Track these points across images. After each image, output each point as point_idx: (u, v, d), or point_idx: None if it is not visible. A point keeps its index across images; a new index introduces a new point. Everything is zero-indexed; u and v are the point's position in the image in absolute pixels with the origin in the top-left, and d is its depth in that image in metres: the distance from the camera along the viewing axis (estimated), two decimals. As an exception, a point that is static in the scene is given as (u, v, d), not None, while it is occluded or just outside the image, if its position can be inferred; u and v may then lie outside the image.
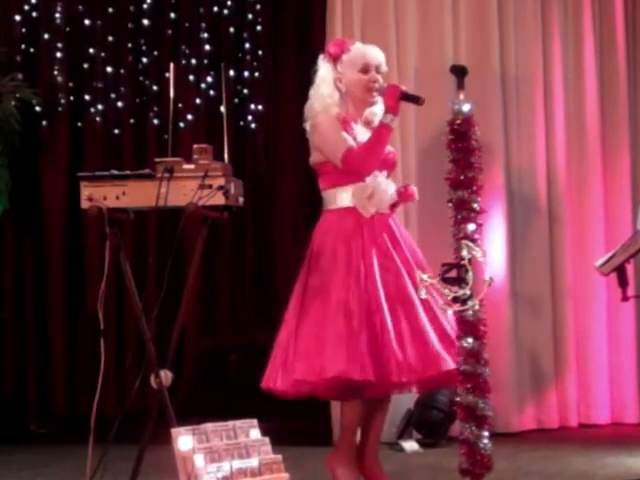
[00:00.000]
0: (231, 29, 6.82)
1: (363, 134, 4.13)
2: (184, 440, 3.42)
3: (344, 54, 4.18)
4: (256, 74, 6.81)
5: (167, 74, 6.35)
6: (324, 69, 4.21)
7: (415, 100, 4.16)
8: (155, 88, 6.68)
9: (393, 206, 4.18)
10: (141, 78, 6.72)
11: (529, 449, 5.36)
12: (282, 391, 3.98)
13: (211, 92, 6.73)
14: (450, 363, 3.87)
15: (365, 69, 4.15)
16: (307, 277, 4.08)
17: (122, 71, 6.68)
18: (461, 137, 4.15)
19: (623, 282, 4.23)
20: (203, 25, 6.76)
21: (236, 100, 6.78)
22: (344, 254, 4.00)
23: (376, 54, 4.21)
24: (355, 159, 4.02)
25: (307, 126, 4.20)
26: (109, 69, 6.65)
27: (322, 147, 4.09)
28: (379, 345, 3.88)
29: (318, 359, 3.86)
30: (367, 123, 4.21)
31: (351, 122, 4.14)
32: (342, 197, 4.10)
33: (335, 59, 4.20)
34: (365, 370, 3.81)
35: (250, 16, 6.81)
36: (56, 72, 6.54)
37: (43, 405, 6.47)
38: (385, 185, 4.12)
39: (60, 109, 6.56)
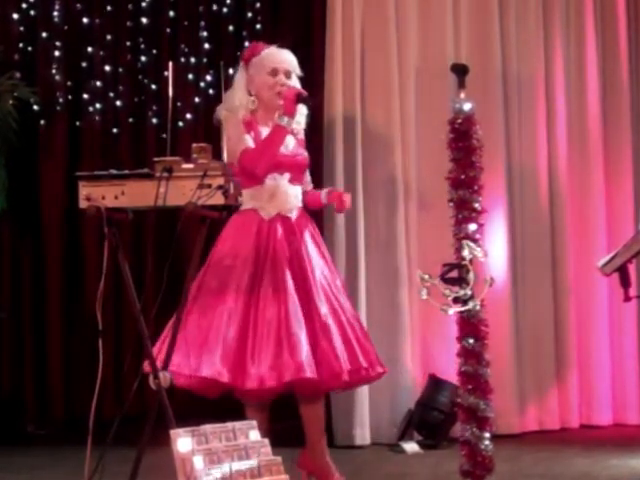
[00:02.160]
0: (230, 28, 6.78)
1: None
2: (183, 442, 3.40)
3: (254, 57, 4.27)
4: (255, 73, 6.76)
5: (166, 73, 6.30)
6: (239, 73, 4.32)
7: (307, 102, 4.18)
8: (154, 87, 6.65)
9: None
10: (140, 77, 6.69)
11: (530, 451, 5.34)
12: None
13: (210, 91, 6.69)
14: (308, 372, 3.93)
15: (273, 72, 4.22)
16: (204, 274, 4.18)
17: (121, 70, 6.65)
18: (462, 136, 4.14)
19: (625, 282, 4.20)
20: (202, 23, 6.72)
21: (235, 99, 6.74)
22: (237, 258, 4.10)
23: (286, 58, 4.29)
24: (249, 159, 4.10)
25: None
26: (107, 68, 6.62)
27: (226, 149, 4.19)
28: (248, 351, 3.98)
29: (195, 356, 3.98)
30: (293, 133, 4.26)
31: (259, 125, 4.20)
32: (245, 198, 4.17)
33: (246, 62, 4.29)
34: (225, 374, 3.95)
35: (250, 15, 6.77)
36: (54, 71, 6.51)
37: (41, 406, 6.43)
38: (285, 187, 4.20)
39: (58, 108, 6.52)
